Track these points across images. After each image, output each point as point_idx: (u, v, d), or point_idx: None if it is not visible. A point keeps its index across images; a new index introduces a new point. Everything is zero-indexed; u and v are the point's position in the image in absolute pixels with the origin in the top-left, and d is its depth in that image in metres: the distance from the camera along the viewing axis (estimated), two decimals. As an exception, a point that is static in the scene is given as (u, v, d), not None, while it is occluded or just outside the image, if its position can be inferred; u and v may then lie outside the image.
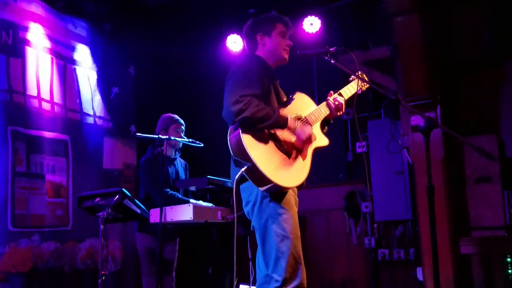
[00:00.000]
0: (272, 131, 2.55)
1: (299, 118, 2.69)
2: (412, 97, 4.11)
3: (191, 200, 3.93)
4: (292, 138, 2.59)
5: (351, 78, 2.95)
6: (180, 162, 4.27)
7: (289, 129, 2.57)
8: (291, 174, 2.53)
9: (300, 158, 2.59)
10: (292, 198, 2.60)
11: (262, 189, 2.48)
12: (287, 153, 2.56)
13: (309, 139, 2.61)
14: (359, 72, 2.92)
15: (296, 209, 2.62)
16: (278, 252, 2.47)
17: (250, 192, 2.58)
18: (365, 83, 2.91)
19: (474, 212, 4.13)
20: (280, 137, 2.56)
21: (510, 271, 3.89)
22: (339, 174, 5.46)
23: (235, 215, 2.59)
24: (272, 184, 2.43)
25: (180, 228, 4.08)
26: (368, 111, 5.22)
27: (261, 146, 2.48)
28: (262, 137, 2.51)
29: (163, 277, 4.01)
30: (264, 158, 2.44)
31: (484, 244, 3.99)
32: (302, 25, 5.21)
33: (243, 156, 2.43)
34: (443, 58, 4.52)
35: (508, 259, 3.91)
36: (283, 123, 2.55)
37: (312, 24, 5.21)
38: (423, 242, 4.06)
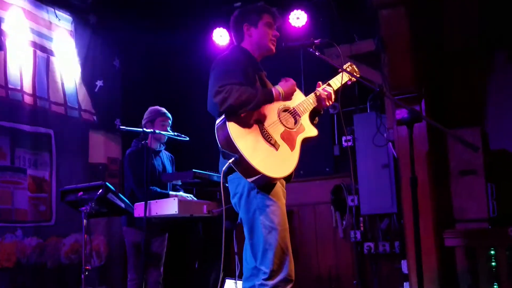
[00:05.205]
0: (260, 124, 2.53)
1: (287, 109, 2.69)
2: (397, 91, 4.11)
3: (171, 192, 3.92)
4: (280, 129, 2.58)
5: (340, 70, 2.94)
6: (166, 155, 4.25)
7: (277, 99, 2.57)
8: (279, 165, 2.51)
9: (288, 149, 2.58)
10: (280, 189, 2.59)
11: (250, 180, 2.46)
12: (275, 144, 2.54)
13: (294, 89, 2.66)
14: (349, 63, 2.92)
15: (284, 200, 2.61)
16: (266, 244, 2.46)
17: (237, 184, 2.57)
18: (353, 75, 2.92)
19: (458, 205, 4.16)
20: (267, 128, 2.55)
21: (493, 263, 3.94)
22: (325, 168, 5.46)
23: (223, 207, 2.57)
24: (260, 175, 2.42)
25: (169, 223, 4.07)
26: (354, 105, 5.23)
27: (248, 137, 2.47)
28: (249, 128, 2.49)
29: (150, 271, 4.00)
30: (251, 149, 2.43)
31: (468, 236, 4.02)
32: (289, 19, 5.21)
33: (230, 148, 2.42)
34: (430, 49, 4.54)
35: (492, 252, 3.95)
36: (269, 96, 2.55)
37: (298, 18, 5.21)
38: (408, 235, 4.08)
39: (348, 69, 2.96)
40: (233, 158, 2.40)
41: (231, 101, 2.42)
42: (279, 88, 2.62)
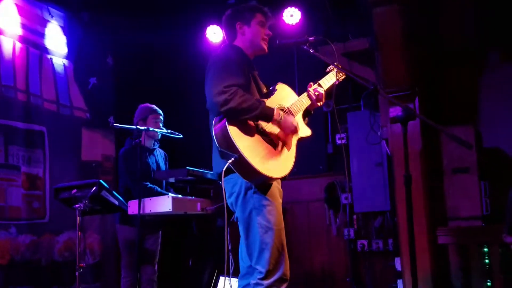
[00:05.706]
0: (258, 122, 2.53)
1: (282, 109, 2.69)
2: (391, 89, 4.12)
3: (170, 194, 3.91)
4: (277, 130, 2.59)
5: (328, 69, 2.97)
6: (159, 153, 4.24)
7: (275, 121, 2.56)
8: (278, 165, 2.52)
9: (285, 149, 2.59)
10: (276, 189, 2.60)
11: (248, 180, 2.47)
12: (273, 144, 2.55)
13: (295, 130, 2.62)
14: (336, 63, 2.93)
15: (280, 200, 2.62)
16: (262, 244, 2.47)
17: (234, 184, 2.57)
18: (342, 74, 2.93)
19: (451, 203, 4.18)
20: (265, 128, 2.55)
21: (486, 260, 3.96)
22: (319, 165, 5.47)
23: (224, 204, 2.56)
24: (259, 175, 2.42)
25: (163, 220, 4.05)
26: (347, 103, 5.24)
27: (247, 137, 2.47)
28: (248, 128, 2.49)
29: (144, 268, 3.99)
30: (250, 149, 2.43)
31: (461, 234, 4.05)
32: (282, 16, 5.20)
33: (230, 148, 2.41)
34: (424, 48, 4.55)
35: (485, 249, 3.98)
36: (269, 114, 2.54)
37: (292, 16, 5.20)
38: (401, 232, 4.10)
39: (335, 69, 2.97)
40: (232, 158, 2.40)
41: (233, 104, 2.42)
42: (281, 113, 2.60)
